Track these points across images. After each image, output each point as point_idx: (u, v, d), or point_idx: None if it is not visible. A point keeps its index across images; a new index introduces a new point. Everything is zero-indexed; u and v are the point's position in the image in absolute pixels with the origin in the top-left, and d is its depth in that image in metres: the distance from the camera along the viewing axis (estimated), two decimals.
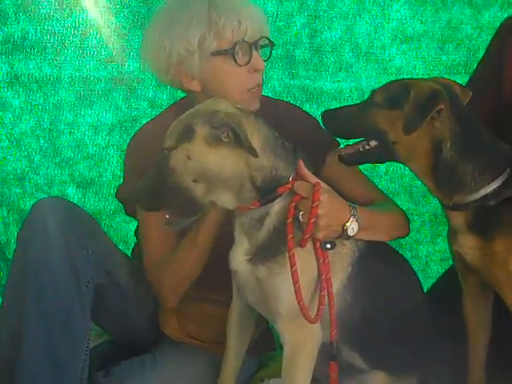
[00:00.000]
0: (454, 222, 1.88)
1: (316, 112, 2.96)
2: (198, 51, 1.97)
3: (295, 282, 1.78)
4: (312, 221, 1.78)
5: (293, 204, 1.80)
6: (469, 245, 1.87)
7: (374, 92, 1.90)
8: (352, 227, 1.84)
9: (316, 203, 1.78)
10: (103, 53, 2.96)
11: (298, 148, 1.88)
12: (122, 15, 2.92)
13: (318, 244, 1.83)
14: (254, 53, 1.99)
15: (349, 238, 1.86)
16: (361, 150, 1.88)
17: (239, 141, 1.74)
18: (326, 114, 1.94)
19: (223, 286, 2.03)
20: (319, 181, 1.84)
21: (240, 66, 1.98)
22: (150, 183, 1.80)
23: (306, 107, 2.98)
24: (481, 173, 1.81)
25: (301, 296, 1.79)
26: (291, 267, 1.78)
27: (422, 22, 2.98)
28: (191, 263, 2.04)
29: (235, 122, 1.74)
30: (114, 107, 3.03)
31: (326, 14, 2.97)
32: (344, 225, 1.84)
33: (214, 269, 1.99)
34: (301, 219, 1.80)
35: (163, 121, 2.06)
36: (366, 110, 1.87)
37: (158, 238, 2.08)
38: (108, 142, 3.04)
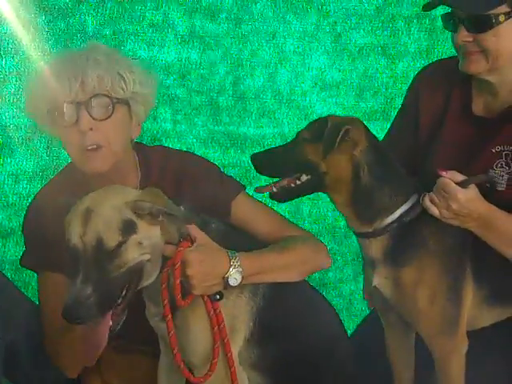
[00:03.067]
0: (371, 252, 1.94)
1: (240, 157, 3.07)
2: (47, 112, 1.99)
3: (173, 347, 1.81)
4: (177, 282, 1.79)
5: (166, 269, 1.81)
6: (383, 275, 1.93)
7: (300, 131, 1.97)
8: (234, 277, 1.85)
9: (177, 265, 1.79)
10: (23, 100, 2.91)
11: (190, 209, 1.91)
12: (42, 62, 2.89)
13: (205, 297, 1.85)
14: (83, 112, 1.94)
15: (233, 287, 1.86)
16: (292, 185, 1.93)
17: (171, 217, 1.79)
18: (256, 157, 1.97)
19: (147, 335, 2.00)
20: (191, 238, 1.83)
21: (65, 126, 1.95)
22: (96, 288, 1.69)
23: (231, 152, 3.05)
24: (394, 196, 1.91)
25: (180, 360, 1.82)
26: (168, 333, 1.81)
27: (340, 71, 3.10)
28: None
29: (167, 207, 1.78)
30: (35, 155, 2.98)
31: (248, 62, 3.04)
32: (224, 277, 1.85)
33: (137, 319, 1.94)
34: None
35: (58, 186, 2.11)
36: (296, 147, 1.93)
37: (60, 308, 2.03)
38: (29, 191, 2.96)
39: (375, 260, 1.93)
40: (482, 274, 1.93)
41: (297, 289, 2.02)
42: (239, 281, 1.86)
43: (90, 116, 1.93)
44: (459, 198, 1.85)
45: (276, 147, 2.04)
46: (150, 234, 1.76)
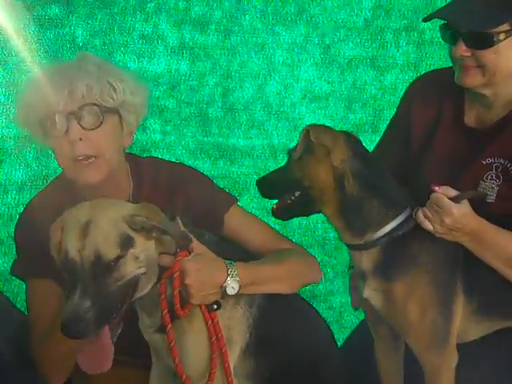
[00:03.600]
0: (362, 265, 1.94)
1: (229, 168, 3.07)
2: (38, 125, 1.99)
3: (174, 357, 1.81)
4: (176, 292, 1.80)
5: (164, 280, 1.81)
6: (373, 287, 1.93)
7: (289, 149, 1.97)
8: (232, 286, 1.86)
9: (176, 274, 1.79)
10: (12, 110, 2.91)
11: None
12: (32, 72, 2.89)
13: (203, 307, 1.85)
14: (73, 122, 1.94)
15: (230, 296, 1.87)
16: (288, 201, 1.93)
17: (165, 233, 1.79)
18: (259, 182, 1.97)
19: (137, 347, 2.00)
20: (188, 249, 1.84)
21: (56, 137, 1.95)
22: (95, 302, 1.68)
23: (220, 164, 3.06)
24: (386, 209, 1.91)
25: (182, 370, 1.82)
26: (169, 343, 1.81)
27: (328, 83, 3.11)
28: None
29: (161, 223, 1.77)
30: (24, 165, 2.98)
31: (237, 74, 3.05)
32: (221, 286, 1.86)
33: (127, 331, 1.94)
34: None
35: (51, 194, 2.11)
36: (288, 165, 1.95)
37: (48, 314, 2.02)
38: (18, 201, 2.97)
39: (366, 272, 1.94)
40: (472, 288, 1.93)
41: (290, 301, 2.03)
42: (236, 290, 1.86)
43: (80, 126, 1.93)
44: (453, 213, 1.86)
45: (276, 169, 2.02)
46: (146, 248, 1.77)
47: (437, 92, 2.17)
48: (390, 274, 1.90)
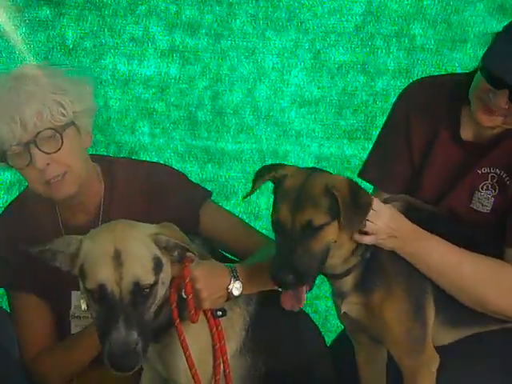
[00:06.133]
0: (343, 288, 1.94)
1: (218, 172, 3.07)
2: None
3: (185, 350, 1.80)
4: (190, 297, 1.80)
5: (174, 288, 1.82)
6: (353, 302, 1.94)
7: (309, 221, 1.78)
8: (236, 287, 1.88)
9: (187, 280, 1.79)
10: None
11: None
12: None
13: (209, 313, 1.86)
14: (35, 150, 1.92)
15: (236, 297, 1.89)
16: (307, 290, 1.81)
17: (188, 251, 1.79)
18: (280, 275, 1.75)
19: None
20: (190, 256, 1.83)
21: (21, 168, 1.94)
22: (140, 332, 1.66)
23: (208, 167, 3.05)
24: None
25: (192, 363, 1.81)
26: (179, 337, 1.80)
27: (319, 88, 3.11)
28: (84, 353, 2.03)
29: (184, 242, 1.78)
30: None
31: (227, 78, 3.06)
32: (227, 288, 1.87)
33: None
34: (184, 296, 1.82)
35: (22, 206, 2.12)
36: (313, 237, 1.79)
37: (37, 327, 2.07)
38: (6, 201, 2.96)
39: (346, 291, 1.94)
40: (441, 297, 1.94)
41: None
42: (240, 290, 1.89)
43: (43, 152, 1.92)
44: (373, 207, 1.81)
45: (287, 252, 1.78)
46: (168, 269, 1.78)
47: (433, 106, 2.12)
48: (368, 287, 1.91)
